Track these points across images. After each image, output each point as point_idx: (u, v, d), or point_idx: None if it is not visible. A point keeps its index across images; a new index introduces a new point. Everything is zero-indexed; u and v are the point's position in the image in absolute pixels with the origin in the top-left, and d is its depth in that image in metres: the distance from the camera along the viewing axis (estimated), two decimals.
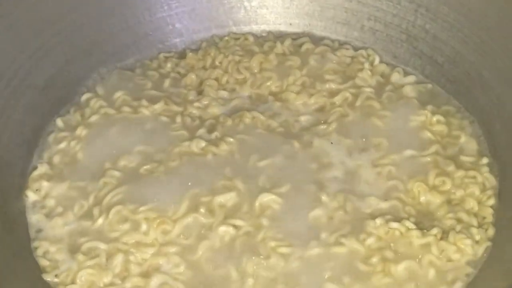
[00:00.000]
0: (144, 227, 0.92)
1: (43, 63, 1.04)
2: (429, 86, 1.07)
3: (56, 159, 1.01)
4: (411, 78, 1.07)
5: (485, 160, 0.99)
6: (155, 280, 0.89)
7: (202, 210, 0.93)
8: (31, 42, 1.02)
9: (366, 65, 1.08)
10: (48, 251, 0.92)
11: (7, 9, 0.99)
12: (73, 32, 1.06)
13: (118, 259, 0.90)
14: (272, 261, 0.89)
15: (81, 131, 1.02)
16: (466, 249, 0.90)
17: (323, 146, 1.00)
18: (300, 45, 1.11)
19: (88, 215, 0.95)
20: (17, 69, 1.01)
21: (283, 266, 0.89)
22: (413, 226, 0.91)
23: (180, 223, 0.93)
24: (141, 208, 0.93)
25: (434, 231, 0.91)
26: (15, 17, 1.00)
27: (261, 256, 0.90)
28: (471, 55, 1.03)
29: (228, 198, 0.95)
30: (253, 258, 0.90)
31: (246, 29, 1.14)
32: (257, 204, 0.94)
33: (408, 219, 0.92)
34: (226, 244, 0.92)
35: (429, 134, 1.00)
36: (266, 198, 0.95)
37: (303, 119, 1.04)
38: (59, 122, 1.04)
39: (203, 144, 0.99)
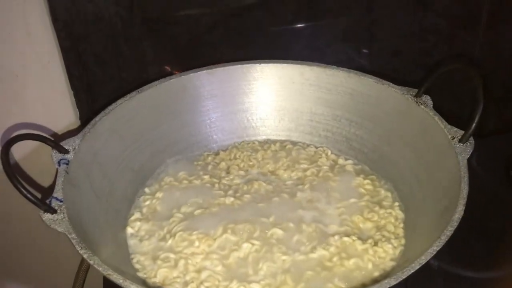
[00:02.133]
0: (196, 243, 0.93)
1: (138, 157, 1.08)
2: (359, 166, 1.10)
3: (145, 209, 1.03)
4: (349, 162, 1.11)
5: (396, 203, 1.01)
6: (204, 274, 0.90)
7: (229, 231, 0.95)
8: (131, 143, 1.07)
9: (323, 155, 1.12)
10: (140, 260, 0.94)
11: (119, 126, 1.05)
12: (155, 140, 1.10)
13: (181, 263, 0.91)
14: (277, 263, 0.91)
15: (159, 194, 1.05)
16: (389, 251, 0.91)
17: (303, 197, 1.03)
18: (285, 146, 1.15)
19: (163, 239, 0.96)
20: (123, 159, 1.05)
21: (283, 266, 0.91)
22: (357, 239, 0.93)
23: (218, 240, 0.94)
24: (194, 233, 0.95)
25: (369, 241, 0.93)
26: (123, 130, 1.06)
27: (270, 261, 0.91)
28: (383, 146, 1.07)
29: (245, 227, 0.97)
30: (266, 262, 0.91)
31: (253, 138, 1.18)
32: (267, 232, 0.96)
33: (354, 235, 0.95)
34: (247, 254, 0.93)
35: (362, 190, 1.04)
36: (272, 229, 0.97)
37: (289, 183, 1.07)
38: (146, 189, 1.07)
39: (232, 199, 1.03)
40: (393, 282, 0.71)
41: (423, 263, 0.74)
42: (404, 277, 0.72)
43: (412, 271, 0.73)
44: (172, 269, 0.91)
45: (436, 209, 0.89)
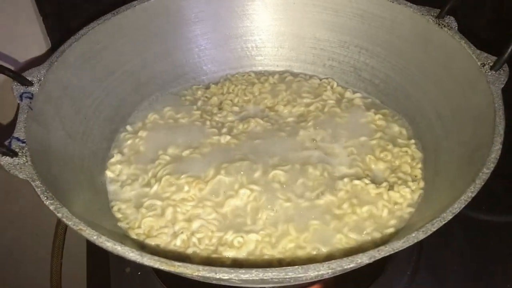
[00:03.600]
0: (186, 188, 0.82)
1: (117, 90, 0.94)
2: (369, 99, 0.98)
3: (126, 150, 0.91)
4: (358, 95, 0.98)
5: (412, 141, 0.89)
6: (195, 224, 0.78)
7: (223, 172, 0.83)
8: (108, 75, 0.92)
9: (329, 88, 0.99)
10: (121, 208, 0.82)
11: (93, 55, 0.90)
12: (137, 71, 0.96)
13: (169, 211, 0.80)
14: (278, 211, 0.79)
15: (142, 133, 0.92)
16: (407, 195, 0.80)
17: (306, 136, 0.90)
18: (284, 77, 1.02)
19: (148, 184, 0.85)
20: (100, 93, 0.91)
21: (285, 214, 0.79)
22: (370, 182, 0.81)
23: (210, 184, 0.82)
24: (183, 176, 0.83)
25: (384, 184, 0.81)
26: (98, 59, 0.90)
27: (269, 206, 0.80)
28: (397, 76, 0.94)
29: (242, 166, 0.84)
30: (265, 211, 0.79)
31: (248, 69, 1.04)
32: (267, 175, 0.84)
33: (365, 178, 0.83)
34: (245, 201, 0.81)
35: (374, 127, 0.91)
36: (273, 171, 0.84)
37: (290, 120, 0.94)
38: (129, 127, 0.94)
39: (228, 138, 0.90)
40: (422, 236, 0.59)
41: (456, 212, 0.60)
42: (434, 229, 0.59)
43: (444, 222, 0.59)
44: (159, 218, 0.80)
45: (463, 148, 0.76)
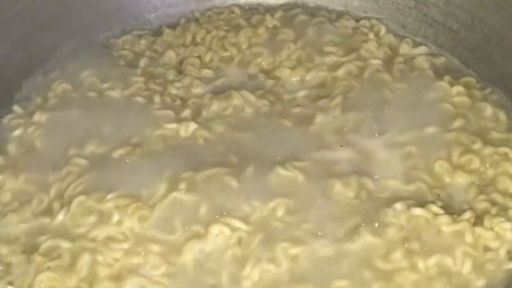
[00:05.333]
0: (115, 217, 0.77)
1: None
2: (442, 58, 0.94)
3: (11, 148, 0.86)
4: (422, 49, 0.94)
5: None
6: (130, 286, 0.73)
7: (183, 187, 0.79)
8: None
9: (371, 36, 0.95)
10: (1, 254, 0.77)
11: None
12: (33, 3, 0.92)
13: (84, 260, 0.74)
14: (279, 265, 0.74)
15: (40, 116, 0.88)
16: (506, 235, 0.75)
17: (327, 123, 0.86)
18: (293, 17, 0.98)
19: (48, 210, 0.80)
20: None
21: (291, 269, 0.74)
22: (441, 211, 0.76)
23: (159, 208, 0.78)
24: (110, 196, 0.78)
25: (466, 215, 0.76)
26: None
27: (265, 255, 0.74)
28: (491, 18, 0.90)
29: (217, 175, 0.80)
30: (256, 263, 0.74)
31: (230, 1, 1.01)
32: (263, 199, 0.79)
33: (433, 203, 0.77)
34: (223, 246, 0.75)
35: (450, 108, 0.86)
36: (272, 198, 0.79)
37: (301, 95, 0.89)
38: (16, 107, 0.90)
39: (192, 127, 0.86)
40: None
41: None
42: None
43: None
44: (66, 274, 0.74)
45: None
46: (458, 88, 0.87)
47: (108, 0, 0.97)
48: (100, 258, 0.74)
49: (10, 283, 0.74)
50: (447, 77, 0.89)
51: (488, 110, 0.86)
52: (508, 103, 0.87)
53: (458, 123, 0.84)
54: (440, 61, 0.93)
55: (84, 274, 0.73)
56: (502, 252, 0.74)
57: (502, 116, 0.86)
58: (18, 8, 0.90)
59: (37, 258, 0.74)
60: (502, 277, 0.73)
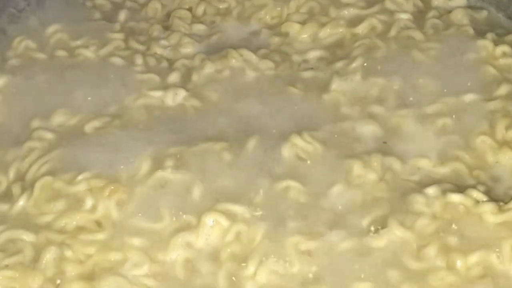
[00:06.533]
0: (88, 202, 0.73)
1: None
2: (485, 12, 0.91)
3: None
4: (460, 1, 0.91)
5: None
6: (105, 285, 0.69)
7: (169, 164, 0.75)
8: None
9: None
10: None
11: None
12: None
13: (50, 255, 0.70)
14: (289, 263, 0.70)
15: None
16: None
17: (344, 91, 0.82)
18: None
19: (6, 195, 0.76)
20: None
21: (302, 269, 0.69)
22: (484, 198, 0.72)
23: (141, 189, 0.74)
24: (81, 176, 0.74)
25: None
26: None
27: (271, 250, 0.70)
28: None
29: (212, 150, 0.77)
30: (261, 260, 0.69)
31: None
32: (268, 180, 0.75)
33: (475, 187, 0.73)
34: (217, 237, 0.71)
35: (493, 71, 0.83)
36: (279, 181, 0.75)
37: (313, 55, 0.86)
38: None
39: (181, 95, 0.83)
40: None
41: None
42: None
43: None
44: (27, 273, 0.69)
45: None
46: (504, 48, 0.84)
47: None
48: (69, 253, 0.69)
49: None
50: (490, 35, 0.85)
51: None
52: None
53: (503, 89, 0.81)
54: (481, 15, 0.90)
55: (50, 273, 0.69)
56: None
57: None
58: None
59: None
60: None
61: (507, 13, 0.88)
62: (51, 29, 0.87)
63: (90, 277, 0.69)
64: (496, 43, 0.84)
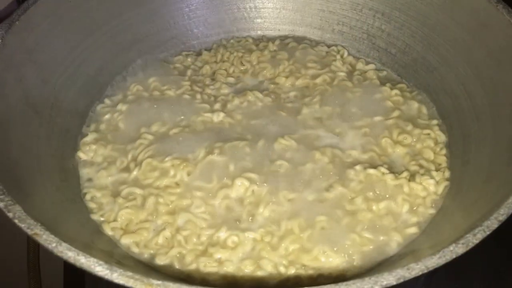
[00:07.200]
0: (171, 172, 0.69)
1: (94, 56, 0.79)
2: (384, 72, 0.85)
3: (102, 127, 0.77)
4: (371, 66, 0.85)
5: (435, 121, 0.76)
6: (181, 218, 0.65)
7: (216, 152, 0.70)
8: (84, 38, 0.78)
9: (338, 58, 0.85)
10: (95, 196, 0.69)
11: (65, 13, 0.75)
12: (116, 33, 0.82)
13: (151, 201, 0.67)
14: (281, 205, 0.66)
15: (121, 106, 0.78)
16: (430, 188, 0.67)
17: (311, 113, 0.77)
18: (287, 44, 0.88)
19: (126, 169, 0.72)
20: (73, 59, 0.76)
21: (290, 209, 0.66)
22: (387, 171, 0.68)
23: (200, 166, 0.70)
24: (167, 158, 0.70)
25: (404, 174, 0.68)
26: (71, 19, 0.76)
27: (271, 199, 0.67)
28: (417, 46, 0.80)
29: (238, 145, 0.72)
30: (265, 204, 0.66)
31: (246, 33, 0.90)
32: (268, 163, 0.71)
33: (382, 166, 0.69)
34: (242, 193, 0.67)
35: (390, 104, 0.78)
36: (274, 159, 0.71)
37: (292, 95, 0.81)
38: (107, 100, 0.81)
39: (221, 115, 0.77)
40: (461, 250, 0.45)
41: (503, 219, 0.47)
42: (476, 241, 0.46)
43: (488, 233, 0.46)
44: (138, 210, 0.66)
45: (500, 134, 0.63)
46: (395, 91, 0.79)
47: (166, 31, 0.86)
48: (161, 200, 0.66)
49: (102, 215, 0.66)
50: (388, 84, 0.80)
51: (415, 105, 0.78)
52: (428, 101, 0.78)
53: (395, 113, 0.76)
54: (383, 74, 0.84)
55: (150, 210, 0.66)
56: (428, 200, 0.66)
57: (424, 109, 0.77)
58: (109, 33, 0.81)
59: (120, 200, 0.67)
60: (429, 215, 0.65)
61: (397, 73, 0.83)
62: (151, 79, 0.81)
63: (172, 213, 0.65)
64: (391, 88, 0.79)
